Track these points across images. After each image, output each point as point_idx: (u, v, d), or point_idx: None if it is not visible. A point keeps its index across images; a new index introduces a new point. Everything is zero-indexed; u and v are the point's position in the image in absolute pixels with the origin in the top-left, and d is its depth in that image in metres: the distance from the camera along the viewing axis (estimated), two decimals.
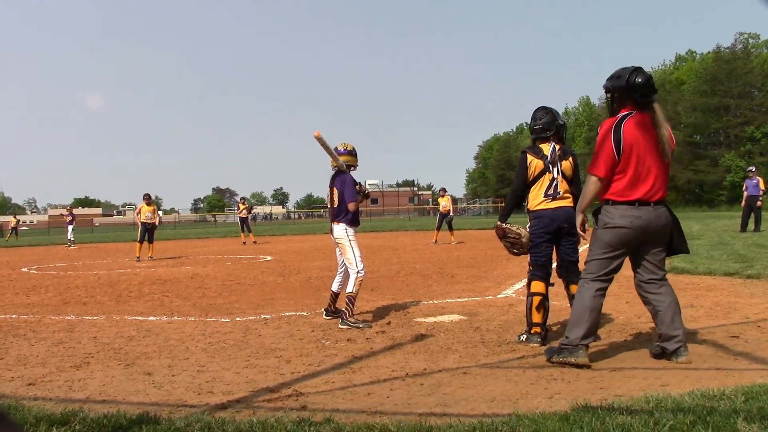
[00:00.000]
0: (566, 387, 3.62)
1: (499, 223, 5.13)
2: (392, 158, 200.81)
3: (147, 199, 16.81)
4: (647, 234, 4.03)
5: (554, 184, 4.85)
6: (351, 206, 6.05)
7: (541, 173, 4.89)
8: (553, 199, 4.83)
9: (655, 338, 4.66)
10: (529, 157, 4.94)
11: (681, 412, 2.80)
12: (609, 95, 4.20)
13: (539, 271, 4.87)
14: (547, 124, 4.99)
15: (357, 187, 6.13)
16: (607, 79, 4.19)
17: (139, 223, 16.74)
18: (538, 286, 4.86)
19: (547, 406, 3.18)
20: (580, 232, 4.30)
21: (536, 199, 4.90)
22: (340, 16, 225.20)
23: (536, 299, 4.84)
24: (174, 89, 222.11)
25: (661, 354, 4.15)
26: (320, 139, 5.82)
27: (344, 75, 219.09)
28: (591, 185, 4.08)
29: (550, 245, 4.89)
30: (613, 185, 4.04)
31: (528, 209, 4.98)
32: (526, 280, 5.04)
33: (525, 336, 4.88)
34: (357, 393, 3.68)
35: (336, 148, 6.21)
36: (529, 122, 5.21)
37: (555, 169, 4.86)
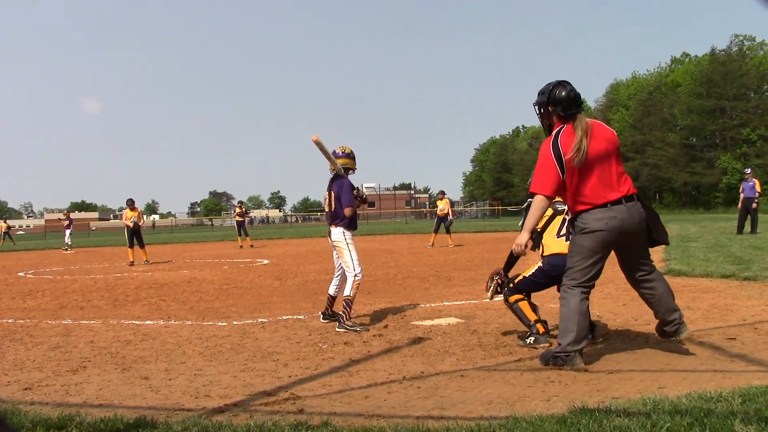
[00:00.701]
0: (563, 389, 3.63)
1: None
2: (389, 161, 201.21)
3: (130, 204, 16.90)
4: (624, 233, 4.02)
5: (566, 224, 4.79)
6: (347, 211, 6.06)
7: (552, 217, 4.95)
8: (567, 239, 4.71)
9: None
10: None
11: (678, 415, 2.81)
12: (538, 111, 4.29)
13: (517, 292, 4.96)
14: None
15: (354, 192, 6.14)
16: (537, 95, 4.28)
17: (125, 228, 16.86)
18: (516, 297, 4.96)
19: (544, 409, 3.18)
20: (522, 250, 4.27)
21: (551, 242, 4.91)
22: (338, 20, 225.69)
23: (523, 303, 4.93)
24: (171, 93, 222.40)
25: (663, 334, 4.31)
26: (319, 144, 5.83)
27: (340, 78, 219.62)
28: (537, 203, 4.10)
29: (547, 286, 4.94)
30: (578, 197, 4.05)
31: (543, 254, 4.95)
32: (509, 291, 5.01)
33: (532, 338, 4.81)
34: (354, 396, 3.68)
35: (334, 151, 6.22)
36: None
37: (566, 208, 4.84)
